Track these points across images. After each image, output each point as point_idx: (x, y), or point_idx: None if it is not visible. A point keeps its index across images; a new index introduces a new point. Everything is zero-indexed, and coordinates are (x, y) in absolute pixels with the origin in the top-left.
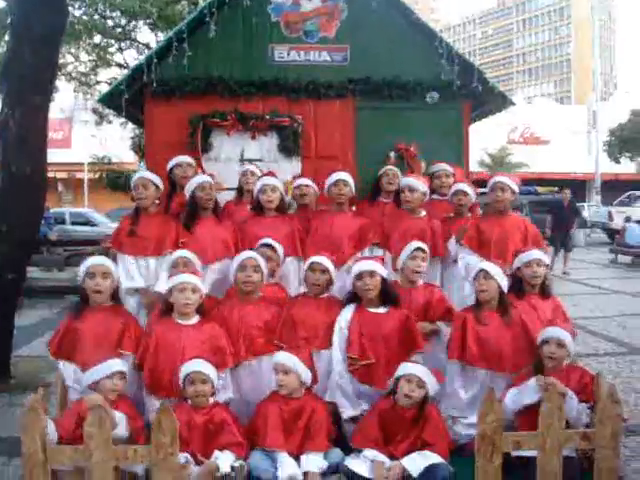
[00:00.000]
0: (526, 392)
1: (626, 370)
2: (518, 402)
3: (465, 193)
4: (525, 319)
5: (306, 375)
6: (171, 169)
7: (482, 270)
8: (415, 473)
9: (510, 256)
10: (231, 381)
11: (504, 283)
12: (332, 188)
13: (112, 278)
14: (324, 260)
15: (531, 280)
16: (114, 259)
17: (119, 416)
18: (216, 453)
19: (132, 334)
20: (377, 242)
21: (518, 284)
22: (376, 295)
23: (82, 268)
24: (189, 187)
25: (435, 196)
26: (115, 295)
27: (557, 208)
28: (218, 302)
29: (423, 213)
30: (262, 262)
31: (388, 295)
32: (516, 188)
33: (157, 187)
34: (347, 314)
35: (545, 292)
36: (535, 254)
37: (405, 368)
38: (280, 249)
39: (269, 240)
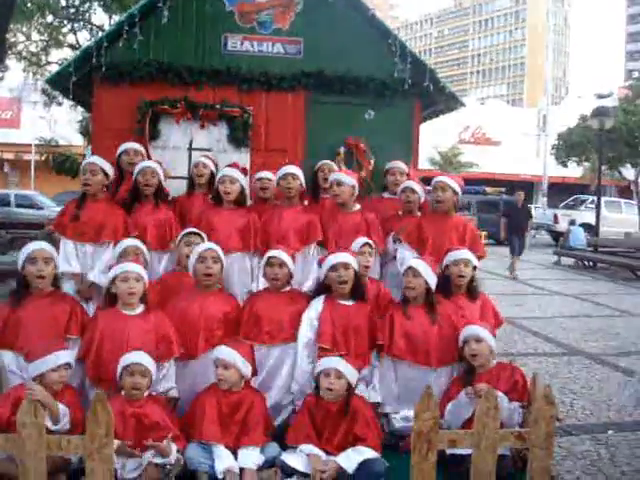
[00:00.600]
0: (461, 407)
1: (563, 371)
2: (457, 418)
3: (413, 190)
4: (450, 318)
5: (246, 369)
6: (119, 155)
7: (410, 268)
8: (350, 470)
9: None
10: (177, 372)
11: (432, 281)
12: (281, 182)
13: (54, 263)
14: (281, 254)
15: (457, 279)
16: (57, 242)
17: (63, 410)
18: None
19: (78, 318)
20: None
21: (446, 282)
22: (349, 288)
23: (22, 254)
24: (134, 172)
25: (386, 194)
26: (56, 281)
27: (512, 210)
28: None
29: (357, 207)
30: (221, 253)
31: (358, 289)
32: (458, 188)
33: (106, 174)
34: (317, 305)
35: (472, 293)
36: (464, 254)
37: (321, 364)
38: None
39: (195, 229)
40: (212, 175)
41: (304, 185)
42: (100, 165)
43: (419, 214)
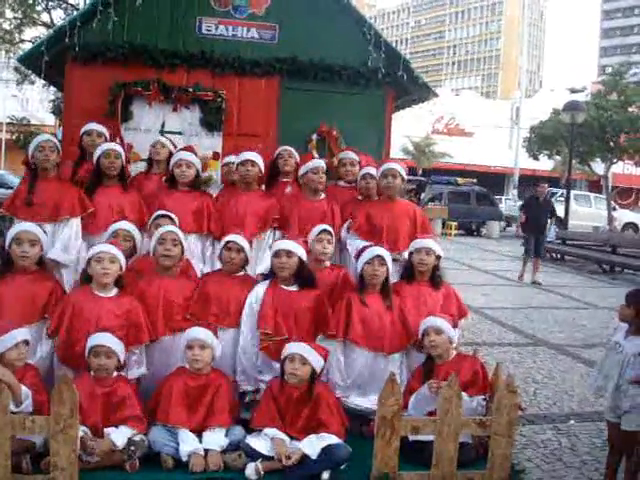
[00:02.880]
0: (424, 401)
1: (528, 361)
2: (420, 411)
3: (372, 176)
4: (410, 306)
5: (217, 351)
6: (81, 135)
7: (378, 256)
8: (314, 455)
9: (401, 242)
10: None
11: (391, 269)
12: (240, 167)
13: (40, 245)
14: (239, 239)
15: (419, 267)
16: (10, 224)
17: (25, 392)
18: (108, 430)
19: (58, 299)
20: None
21: (409, 270)
22: (290, 274)
23: (10, 233)
24: (95, 154)
25: (341, 183)
26: (41, 261)
27: (531, 204)
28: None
29: (323, 196)
30: (182, 236)
31: (302, 275)
32: (405, 174)
33: (59, 152)
34: (259, 290)
35: (435, 281)
36: (426, 242)
37: (286, 349)
38: (177, 221)
39: (166, 212)
40: (170, 155)
41: (263, 171)
42: (55, 143)
43: (378, 198)
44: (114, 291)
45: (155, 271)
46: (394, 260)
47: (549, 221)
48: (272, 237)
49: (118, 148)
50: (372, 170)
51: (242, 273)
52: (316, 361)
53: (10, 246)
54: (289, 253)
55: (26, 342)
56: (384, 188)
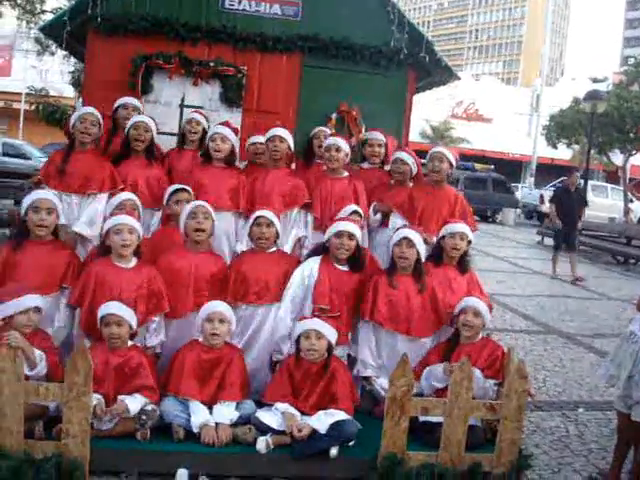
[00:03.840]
0: (435, 377)
1: (539, 348)
2: (430, 386)
3: (404, 162)
4: (437, 288)
5: (233, 326)
6: (116, 109)
7: (405, 238)
8: (322, 430)
9: (433, 226)
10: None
11: (422, 251)
12: (268, 143)
13: (56, 214)
14: (269, 214)
15: (451, 251)
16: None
17: (39, 355)
18: (122, 396)
19: (75, 269)
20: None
21: (439, 253)
22: (347, 256)
23: (26, 201)
24: (127, 126)
25: (366, 164)
26: (56, 230)
27: (562, 195)
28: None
29: (345, 174)
30: (212, 210)
31: (356, 257)
32: (453, 160)
33: (100, 126)
34: (313, 265)
35: (463, 266)
36: (461, 227)
37: (299, 327)
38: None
39: (184, 186)
40: (204, 132)
41: (292, 148)
42: (98, 117)
43: (410, 184)
44: (133, 261)
45: (185, 245)
46: (425, 242)
47: (584, 212)
48: (298, 216)
49: (148, 121)
50: (405, 155)
51: (275, 249)
52: (330, 334)
53: (26, 214)
54: (351, 236)
55: (37, 309)
56: (430, 172)
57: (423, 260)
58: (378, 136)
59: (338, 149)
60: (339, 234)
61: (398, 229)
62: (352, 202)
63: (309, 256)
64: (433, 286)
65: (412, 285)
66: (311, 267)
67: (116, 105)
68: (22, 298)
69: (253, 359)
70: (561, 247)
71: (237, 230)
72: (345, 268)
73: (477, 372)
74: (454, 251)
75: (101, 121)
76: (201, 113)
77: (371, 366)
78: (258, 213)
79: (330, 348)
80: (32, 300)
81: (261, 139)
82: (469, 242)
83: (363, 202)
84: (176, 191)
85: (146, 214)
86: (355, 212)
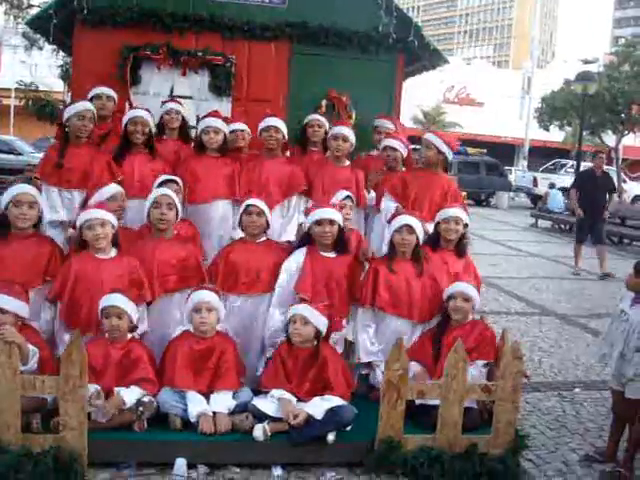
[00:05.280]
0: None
1: (534, 330)
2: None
3: (393, 149)
4: (435, 272)
5: (222, 315)
6: (90, 99)
7: (406, 224)
8: (318, 416)
9: (426, 211)
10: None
11: (422, 237)
12: (263, 134)
13: (38, 208)
14: (259, 203)
15: (447, 235)
16: (38, 188)
17: (32, 350)
18: (118, 388)
19: (58, 261)
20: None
21: (435, 238)
22: (332, 242)
23: (7, 195)
24: (123, 120)
25: (376, 152)
26: (37, 224)
27: (585, 180)
28: (135, 235)
29: (347, 163)
30: (176, 199)
31: (340, 242)
32: (444, 147)
33: (95, 122)
34: (298, 256)
35: (460, 250)
36: (455, 212)
37: (290, 311)
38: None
39: (170, 176)
40: (183, 120)
41: (286, 137)
42: (94, 112)
43: (403, 169)
44: (113, 252)
45: (151, 233)
46: None
47: (608, 200)
48: (298, 204)
49: (145, 114)
50: (392, 142)
51: (264, 238)
52: (319, 321)
53: (7, 208)
54: (332, 222)
55: (1, 310)
56: (420, 158)
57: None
58: (386, 124)
59: (345, 139)
60: (319, 222)
61: (397, 215)
62: (354, 191)
63: (296, 247)
64: (433, 271)
65: (411, 270)
66: (296, 258)
67: (90, 96)
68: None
69: (246, 350)
70: (585, 239)
71: (234, 218)
72: (332, 254)
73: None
74: (450, 234)
75: (96, 117)
76: (178, 102)
77: (371, 352)
78: (249, 202)
79: (318, 335)
80: (5, 302)
81: (240, 126)
82: (465, 225)
83: (362, 191)
84: (165, 182)
85: None
86: (347, 197)
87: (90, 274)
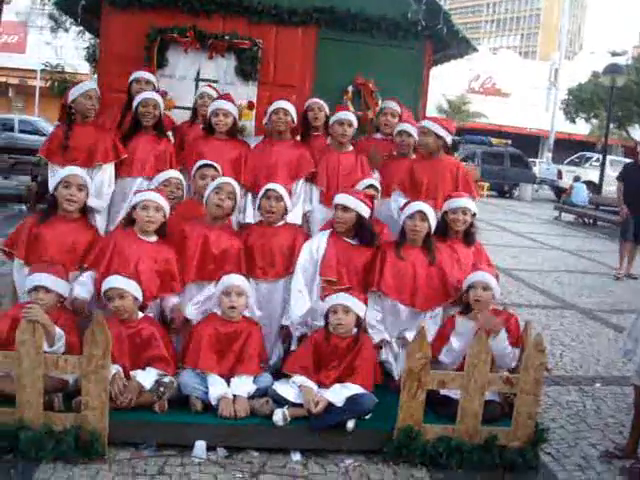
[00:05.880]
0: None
1: (556, 323)
2: (457, 350)
3: (409, 134)
4: (444, 262)
5: (251, 300)
6: (130, 83)
7: (419, 211)
8: (339, 403)
9: (440, 199)
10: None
11: (434, 225)
12: (272, 116)
13: (86, 191)
14: (279, 187)
15: (454, 226)
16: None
17: (59, 333)
18: (134, 372)
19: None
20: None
21: (443, 227)
22: (347, 229)
23: (58, 176)
24: (135, 101)
25: (379, 135)
26: (84, 209)
27: (630, 172)
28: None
29: (351, 148)
30: (238, 190)
31: (362, 230)
32: (442, 132)
33: (100, 101)
34: (322, 238)
35: (468, 239)
36: (462, 202)
37: (328, 301)
38: (220, 170)
39: (211, 162)
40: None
41: (295, 121)
42: (99, 93)
43: (414, 156)
44: (154, 237)
45: (204, 220)
46: None
47: None
48: (304, 189)
49: (156, 97)
50: (408, 127)
51: (282, 222)
52: (359, 308)
53: (56, 189)
54: (345, 208)
55: (46, 289)
56: (418, 145)
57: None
58: (393, 106)
59: (350, 124)
60: (335, 207)
61: (410, 202)
62: (359, 176)
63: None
64: (441, 260)
65: (420, 258)
66: (319, 241)
67: (130, 79)
68: (33, 276)
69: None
70: (630, 239)
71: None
72: (354, 242)
73: (503, 333)
74: (458, 225)
75: (100, 96)
76: (213, 88)
77: (378, 330)
78: (269, 186)
79: (359, 322)
80: (40, 279)
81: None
82: (473, 215)
83: (368, 176)
84: (203, 166)
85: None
86: (371, 185)
87: (128, 251)
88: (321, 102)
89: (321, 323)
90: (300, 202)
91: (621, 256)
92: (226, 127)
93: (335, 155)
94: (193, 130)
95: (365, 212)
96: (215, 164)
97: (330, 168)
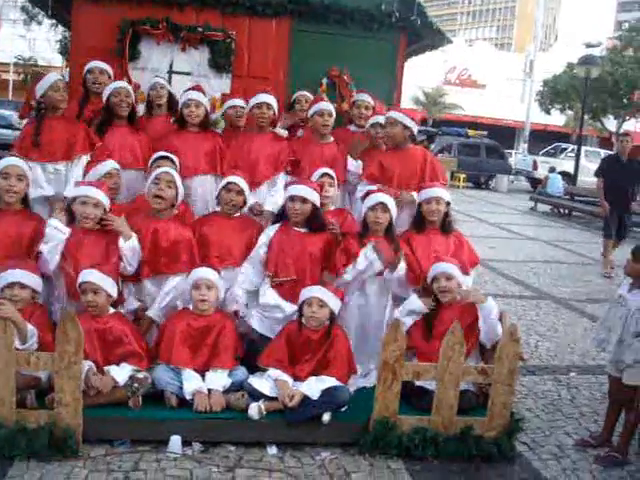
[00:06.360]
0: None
1: (531, 313)
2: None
3: (382, 126)
4: (420, 254)
5: (221, 292)
6: (85, 74)
7: (380, 202)
8: (314, 396)
9: (412, 189)
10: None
11: (395, 215)
12: (255, 110)
13: (26, 181)
14: (240, 181)
15: (429, 216)
16: None
17: (31, 330)
18: (108, 367)
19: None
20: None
21: (419, 219)
22: (302, 219)
23: None
24: (105, 93)
25: (353, 127)
26: (25, 199)
27: (610, 166)
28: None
29: (331, 139)
30: (178, 178)
31: (314, 220)
32: (409, 122)
33: (67, 91)
34: (270, 232)
35: (445, 228)
36: (435, 192)
37: (304, 293)
38: (177, 164)
39: (167, 154)
40: (170, 95)
41: (277, 114)
42: (66, 82)
43: (384, 148)
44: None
45: (148, 211)
46: (397, 201)
47: (637, 190)
48: (284, 179)
49: (127, 86)
50: (381, 119)
51: (239, 214)
52: (334, 303)
53: None
54: (304, 200)
55: (21, 285)
56: (386, 136)
57: (395, 223)
58: (366, 98)
59: (330, 114)
60: (292, 199)
61: (370, 192)
62: (341, 166)
63: (274, 222)
64: (419, 252)
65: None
66: (267, 234)
67: (84, 70)
68: (6, 273)
69: None
70: (611, 232)
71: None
72: (304, 230)
73: (490, 302)
74: (432, 215)
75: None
76: (162, 77)
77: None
78: (230, 179)
79: (332, 317)
80: (15, 275)
81: (241, 102)
82: (447, 203)
83: (343, 166)
84: (159, 158)
85: (138, 178)
86: (326, 174)
87: (73, 247)
88: (308, 95)
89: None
90: (278, 194)
91: (605, 255)
92: (198, 118)
93: (316, 146)
94: (153, 123)
95: (318, 202)
96: (171, 156)
97: (311, 159)
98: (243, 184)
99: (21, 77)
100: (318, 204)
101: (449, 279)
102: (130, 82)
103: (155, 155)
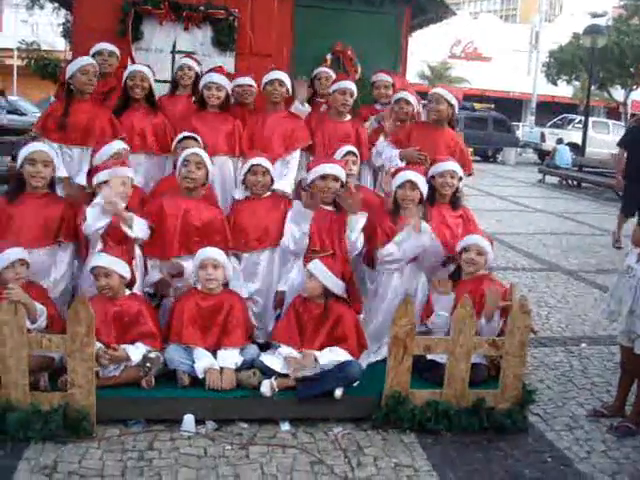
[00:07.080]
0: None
1: (541, 285)
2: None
3: (407, 102)
4: (434, 227)
5: (229, 272)
6: (92, 56)
7: (409, 180)
8: (325, 365)
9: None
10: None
11: (425, 193)
12: (267, 87)
13: (52, 166)
14: (263, 161)
15: (441, 189)
16: None
17: (40, 308)
18: (123, 346)
19: (70, 224)
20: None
21: (432, 192)
22: (332, 198)
23: (22, 153)
24: (124, 76)
25: (378, 105)
26: (52, 184)
27: (635, 138)
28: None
29: (348, 117)
30: (207, 159)
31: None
32: (454, 101)
33: (97, 77)
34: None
35: (454, 203)
36: (449, 165)
37: (308, 268)
38: (201, 143)
39: (191, 134)
40: (196, 76)
41: (289, 92)
42: (97, 68)
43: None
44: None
45: (178, 192)
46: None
47: None
48: (304, 158)
49: (145, 70)
50: (408, 95)
51: (269, 193)
52: (324, 277)
53: (22, 166)
54: (336, 178)
55: (23, 261)
56: (429, 112)
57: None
58: (384, 77)
59: (352, 94)
60: (324, 177)
61: (400, 170)
62: (354, 144)
63: (295, 197)
64: (434, 226)
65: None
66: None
67: (91, 53)
68: (4, 252)
69: (266, 304)
70: (631, 209)
71: (236, 174)
72: (330, 208)
73: (482, 322)
74: (446, 189)
75: (97, 71)
76: (193, 58)
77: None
78: (254, 161)
79: (327, 291)
80: (15, 253)
81: (248, 80)
82: (460, 179)
83: (365, 145)
84: (184, 138)
85: (158, 161)
86: (350, 152)
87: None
88: (329, 71)
89: None
90: (292, 172)
91: (619, 228)
92: (219, 101)
93: (331, 124)
94: (176, 102)
95: (344, 180)
96: (195, 135)
97: (325, 137)
98: (266, 163)
99: (25, 62)
100: (344, 182)
101: (480, 254)
102: (133, 63)
103: (180, 135)
